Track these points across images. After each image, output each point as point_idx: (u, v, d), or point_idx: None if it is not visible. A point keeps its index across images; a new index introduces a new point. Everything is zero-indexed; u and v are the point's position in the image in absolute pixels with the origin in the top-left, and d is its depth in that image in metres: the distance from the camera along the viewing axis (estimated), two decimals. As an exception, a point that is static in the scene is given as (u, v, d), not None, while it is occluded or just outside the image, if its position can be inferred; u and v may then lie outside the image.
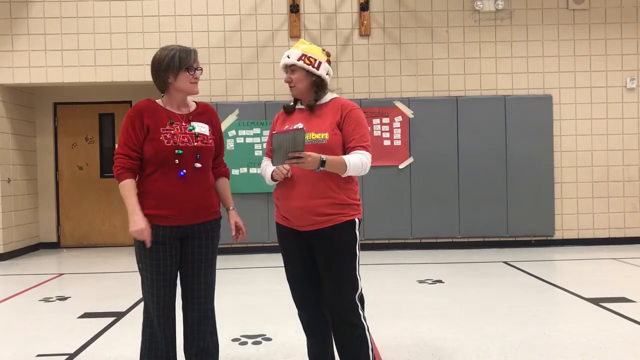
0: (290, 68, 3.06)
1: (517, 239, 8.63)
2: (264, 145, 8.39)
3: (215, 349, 3.13)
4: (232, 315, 5.01)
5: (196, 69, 3.05)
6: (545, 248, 8.54)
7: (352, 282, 2.95)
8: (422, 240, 8.61)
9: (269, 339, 4.31)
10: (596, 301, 5.24)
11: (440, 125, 8.47)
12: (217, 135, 3.18)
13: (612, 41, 8.72)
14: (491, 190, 8.50)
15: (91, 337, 4.48)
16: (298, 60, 3.03)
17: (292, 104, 3.18)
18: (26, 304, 5.75)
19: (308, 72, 3.04)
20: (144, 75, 8.44)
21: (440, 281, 6.32)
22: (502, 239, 8.62)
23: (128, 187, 2.90)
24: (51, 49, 8.46)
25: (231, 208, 3.20)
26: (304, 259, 3.07)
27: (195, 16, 8.52)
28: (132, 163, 2.93)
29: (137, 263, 3.03)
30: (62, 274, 7.47)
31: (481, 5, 8.55)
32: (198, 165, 2.97)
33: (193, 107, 3.15)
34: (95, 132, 9.73)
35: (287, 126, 3.04)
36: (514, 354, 3.90)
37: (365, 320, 2.98)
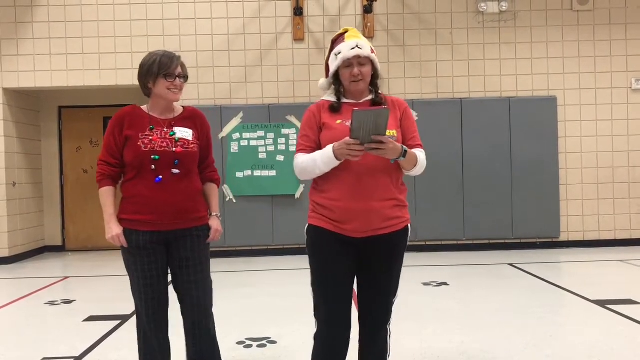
0: (359, 60, 2.72)
1: (523, 240, 8.61)
2: (268, 148, 8.41)
3: (212, 356, 3.07)
4: (237, 318, 5.01)
5: (178, 76, 2.97)
6: (551, 250, 8.51)
7: (396, 291, 2.85)
8: (427, 243, 8.59)
9: (274, 342, 4.31)
10: (602, 303, 5.22)
11: (445, 127, 8.46)
12: (204, 139, 3.12)
13: (617, 42, 8.69)
14: (496, 192, 8.48)
15: (96, 340, 4.48)
16: (372, 52, 2.75)
17: (336, 101, 2.81)
18: (32, 307, 5.76)
19: (374, 65, 2.78)
20: (149, 78, 8.45)
21: (445, 283, 6.31)
22: (507, 241, 8.60)
23: (105, 195, 2.95)
24: (56, 53, 8.49)
25: (213, 214, 3.12)
26: (350, 270, 2.75)
27: (199, 19, 8.54)
28: (112, 170, 2.96)
29: (126, 268, 3.04)
30: (67, 277, 7.48)
31: (485, 7, 8.54)
32: (175, 171, 2.93)
33: (179, 112, 3.09)
34: (99, 135, 9.74)
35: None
36: (520, 356, 3.88)
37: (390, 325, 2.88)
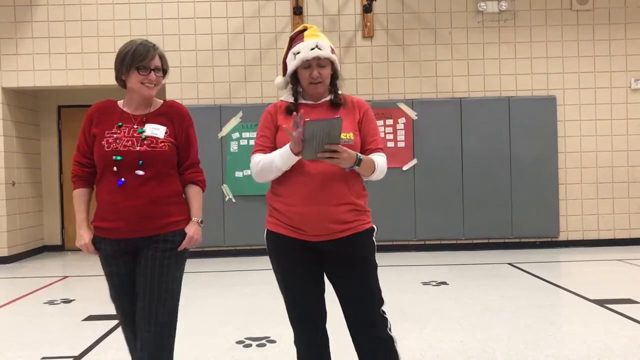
0: (318, 62, 2.60)
1: (522, 240, 8.61)
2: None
3: None
4: (236, 317, 5.01)
5: (153, 69, 2.66)
6: (550, 249, 8.51)
7: (376, 294, 2.64)
8: (427, 242, 8.59)
9: (273, 342, 4.31)
10: (601, 303, 5.22)
11: (444, 126, 8.46)
12: (182, 137, 2.76)
13: (616, 42, 8.70)
14: (495, 192, 8.49)
15: (96, 339, 4.48)
16: (332, 52, 2.63)
17: (292, 102, 2.72)
18: (31, 306, 5.76)
19: (333, 65, 2.66)
20: (148, 78, 8.45)
21: (444, 283, 6.31)
22: (506, 241, 8.60)
23: (76, 198, 2.75)
24: (55, 52, 8.48)
25: (193, 219, 2.77)
26: (314, 272, 2.67)
27: (198, 19, 8.53)
28: (84, 171, 2.73)
29: None
30: (67, 276, 7.48)
31: (484, 7, 8.54)
32: (140, 172, 2.62)
33: (156, 107, 2.78)
34: (99, 135, 9.74)
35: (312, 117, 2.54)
36: (520, 355, 3.88)
37: (391, 331, 2.66)
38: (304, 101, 2.70)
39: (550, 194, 8.56)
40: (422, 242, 8.58)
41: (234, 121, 8.43)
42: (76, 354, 4.15)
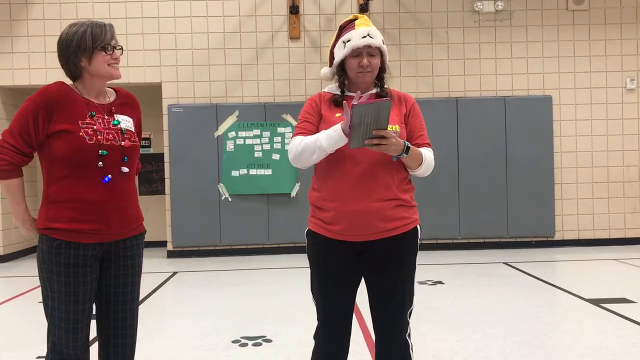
0: (369, 50, 2.52)
1: (518, 239, 8.63)
2: (264, 147, 8.40)
3: None
4: (232, 317, 5.01)
5: (115, 47, 2.45)
6: (546, 249, 8.53)
7: (410, 300, 2.57)
8: (423, 241, 8.54)
9: (269, 341, 4.31)
10: (597, 302, 5.24)
11: (440, 126, 8.46)
12: (138, 130, 2.61)
13: (612, 42, 8.72)
14: (491, 191, 8.50)
15: (90, 338, 4.46)
16: (382, 43, 2.56)
17: (339, 94, 2.59)
18: (26, 305, 5.74)
19: (382, 57, 2.58)
20: (144, 76, 8.44)
21: (440, 282, 6.32)
22: (502, 240, 8.61)
23: (18, 188, 2.43)
24: (51, 51, 8.45)
25: None
26: (350, 276, 2.57)
27: (194, 17, 8.52)
28: (24, 160, 2.40)
29: (43, 291, 2.48)
30: (62, 275, 7.45)
31: (481, 6, 8.55)
32: (125, 169, 2.44)
33: (113, 95, 2.56)
34: (95, 133, 9.72)
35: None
36: (515, 355, 3.89)
37: (410, 337, 2.59)
38: (349, 93, 2.58)
39: (546, 193, 8.57)
40: (419, 241, 8.56)
41: (230, 120, 8.42)
42: (71, 353, 4.13)
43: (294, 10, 8.44)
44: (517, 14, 8.67)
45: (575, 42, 8.70)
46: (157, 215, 8.79)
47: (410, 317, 2.61)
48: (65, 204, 2.38)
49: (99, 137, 2.39)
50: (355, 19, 2.61)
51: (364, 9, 8.45)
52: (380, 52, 2.56)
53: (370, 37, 2.51)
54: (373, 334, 2.66)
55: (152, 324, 4.84)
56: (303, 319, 4.61)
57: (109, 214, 2.40)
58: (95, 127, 2.39)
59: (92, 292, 2.44)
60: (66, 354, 2.45)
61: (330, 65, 2.65)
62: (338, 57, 2.57)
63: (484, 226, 8.52)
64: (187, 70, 8.49)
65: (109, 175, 2.40)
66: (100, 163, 2.37)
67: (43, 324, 5.11)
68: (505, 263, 7.44)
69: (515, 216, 8.51)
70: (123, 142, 2.45)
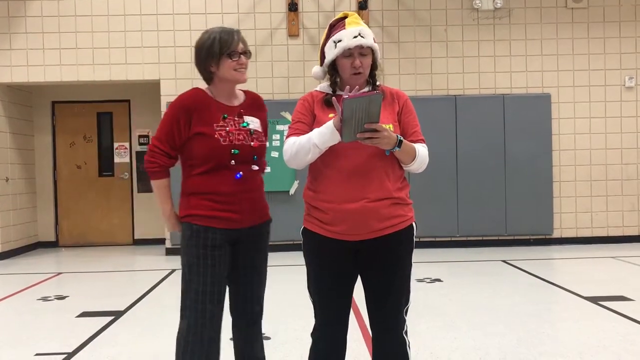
0: (361, 50, 2.50)
1: (516, 237, 8.64)
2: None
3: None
4: (229, 315, 5.00)
5: (241, 53, 2.65)
6: (544, 247, 8.54)
7: (407, 297, 2.58)
8: (421, 239, 8.57)
9: (267, 338, 4.31)
10: (595, 300, 5.25)
11: (439, 124, 8.46)
12: (264, 130, 2.85)
13: (611, 40, 8.72)
14: (490, 189, 8.50)
15: (89, 336, 4.47)
16: (374, 41, 2.53)
17: (331, 93, 2.58)
18: (24, 303, 5.74)
19: (373, 55, 2.56)
20: (143, 73, 8.43)
21: (439, 280, 6.32)
22: (500, 238, 8.62)
23: (165, 189, 2.73)
24: (49, 48, 8.45)
25: None
26: (346, 273, 2.58)
27: (193, 14, 8.50)
28: (171, 162, 2.71)
29: (184, 271, 2.71)
30: (61, 273, 7.46)
31: (480, 4, 8.54)
32: (255, 167, 2.73)
33: (242, 97, 2.81)
34: (93, 131, 9.71)
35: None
36: (513, 352, 3.89)
37: (407, 335, 2.60)
38: (341, 93, 2.49)
39: (544, 191, 8.58)
40: (417, 239, 8.55)
41: (229, 118, 8.40)
42: (70, 350, 4.13)
43: (292, 7, 8.43)
44: (516, 12, 8.67)
45: (574, 40, 8.70)
46: (155, 213, 8.79)
47: (407, 315, 2.60)
48: (203, 195, 2.66)
49: (231, 138, 2.65)
50: (345, 17, 2.58)
51: (362, 6, 8.45)
52: (372, 51, 2.54)
53: (362, 36, 2.48)
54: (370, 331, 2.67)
55: (150, 321, 4.84)
56: (302, 316, 4.61)
57: (241, 204, 2.68)
58: (227, 128, 2.65)
59: (225, 273, 2.70)
60: (200, 333, 2.66)
61: (321, 63, 2.63)
62: (329, 57, 2.55)
63: (482, 224, 8.53)
64: (185, 67, 8.46)
65: (240, 172, 2.67)
66: (232, 161, 2.64)
67: (42, 321, 5.12)
68: (504, 261, 7.45)
69: (514, 214, 8.51)
70: (252, 143, 2.70)
